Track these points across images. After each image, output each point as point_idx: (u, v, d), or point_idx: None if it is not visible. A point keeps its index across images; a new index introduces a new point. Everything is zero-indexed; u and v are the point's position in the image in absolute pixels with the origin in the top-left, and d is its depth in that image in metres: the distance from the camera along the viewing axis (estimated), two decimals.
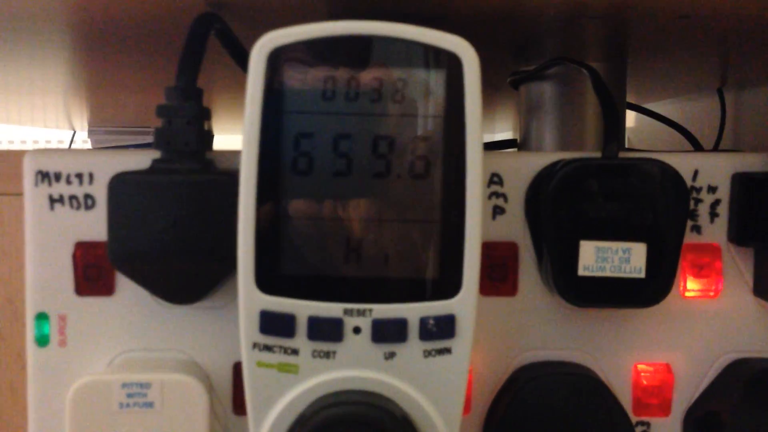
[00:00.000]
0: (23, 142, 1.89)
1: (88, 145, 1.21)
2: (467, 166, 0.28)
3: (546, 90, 0.49)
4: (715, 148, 0.67)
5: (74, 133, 1.33)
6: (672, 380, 0.35)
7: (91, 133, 1.19)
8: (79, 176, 0.33)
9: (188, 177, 0.31)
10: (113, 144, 1.16)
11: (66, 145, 1.39)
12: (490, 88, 0.69)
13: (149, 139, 1.16)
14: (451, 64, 0.28)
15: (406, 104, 0.29)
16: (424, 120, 0.29)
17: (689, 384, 0.35)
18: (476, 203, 0.28)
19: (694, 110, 0.79)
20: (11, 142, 1.89)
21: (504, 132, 1.30)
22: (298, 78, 0.28)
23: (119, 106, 0.88)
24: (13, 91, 0.73)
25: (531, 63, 0.50)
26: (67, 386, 0.32)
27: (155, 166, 0.31)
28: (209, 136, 0.32)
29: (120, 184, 0.31)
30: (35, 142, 1.87)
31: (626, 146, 0.74)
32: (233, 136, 1.24)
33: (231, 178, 0.30)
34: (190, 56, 0.32)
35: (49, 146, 1.87)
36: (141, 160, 0.32)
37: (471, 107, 0.28)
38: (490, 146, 0.60)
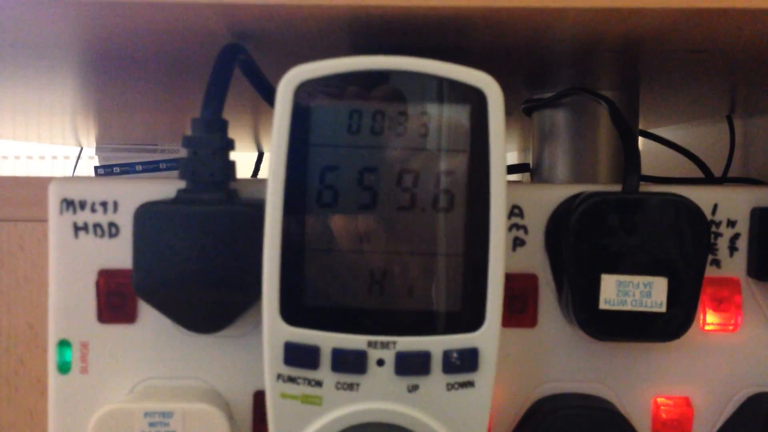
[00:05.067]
0: (29, 157, 1.89)
1: (95, 162, 1.21)
2: (491, 201, 0.28)
3: (560, 118, 0.49)
4: (725, 175, 0.67)
5: (81, 149, 1.34)
6: (691, 414, 0.35)
7: (98, 150, 1.19)
8: (104, 204, 0.33)
9: (213, 207, 0.31)
10: (121, 161, 1.17)
11: (72, 161, 1.40)
12: None
13: (156, 157, 1.17)
14: (475, 99, 0.28)
15: (430, 138, 0.29)
16: (449, 154, 0.29)
17: (709, 418, 0.35)
18: (500, 237, 0.28)
19: (703, 136, 0.79)
20: (17, 157, 1.90)
21: (510, 153, 1.31)
22: (324, 112, 0.29)
23: (127, 124, 0.89)
24: (21, 109, 0.73)
25: (542, 91, 0.50)
26: (88, 414, 0.32)
27: (180, 196, 0.32)
28: (234, 166, 0.33)
29: (146, 214, 0.31)
30: (41, 157, 1.88)
31: None
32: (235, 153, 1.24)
33: (255, 208, 0.31)
34: (216, 88, 0.32)
35: (54, 162, 1.87)
36: (166, 190, 0.32)
37: (495, 142, 0.28)
38: None
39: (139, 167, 1.17)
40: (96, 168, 1.20)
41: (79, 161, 1.34)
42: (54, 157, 1.87)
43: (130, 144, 1.17)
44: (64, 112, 0.74)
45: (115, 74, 0.48)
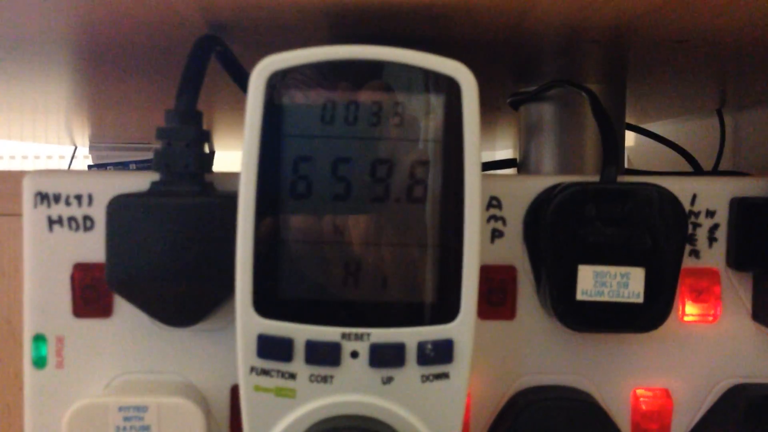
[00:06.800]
0: (24, 157, 1.89)
1: (89, 161, 1.21)
2: (465, 191, 0.28)
3: (545, 111, 0.49)
4: (715, 169, 0.67)
5: (75, 148, 1.34)
6: (671, 405, 0.35)
7: (92, 149, 1.19)
8: (78, 198, 0.33)
9: (187, 199, 0.31)
10: (114, 160, 1.17)
11: (67, 160, 1.40)
12: (492, 108, 0.69)
13: (150, 155, 1.17)
14: (449, 88, 0.28)
15: (404, 128, 0.29)
16: (423, 144, 0.29)
17: (688, 409, 0.35)
18: (474, 228, 0.28)
19: (693, 130, 0.79)
20: (12, 157, 1.89)
21: (505, 150, 1.31)
22: (297, 101, 0.29)
23: (121, 123, 0.89)
24: (15, 108, 0.73)
25: (531, 84, 0.50)
26: (64, 409, 0.31)
27: (154, 189, 0.31)
28: (209, 158, 0.32)
29: (119, 207, 0.30)
30: (36, 157, 1.88)
31: (626, 166, 0.74)
32: (236, 152, 1.24)
33: (230, 200, 0.30)
34: (190, 79, 0.32)
35: (49, 161, 1.87)
36: (140, 182, 0.32)
37: (469, 132, 0.28)
38: (490, 166, 0.60)
39: (133, 166, 1.17)
40: (89, 167, 1.20)
41: (74, 160, 1.34)
42: (49, 157, 1.87)
43: (123, 143, 1.17)
44: (58, 110, 0.74)
45: (106, 69, 0.48)
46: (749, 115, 0.70)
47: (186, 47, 0.32)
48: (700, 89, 0.58)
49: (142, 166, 1.15)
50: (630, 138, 0.88)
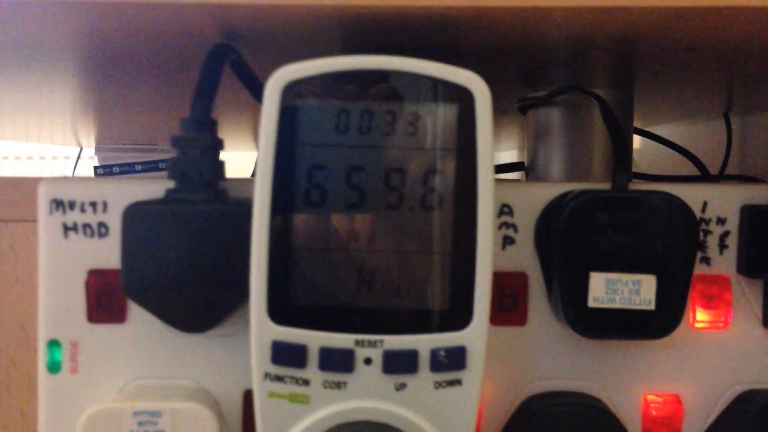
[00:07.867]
0: (30, 158, 1.89)
1: (95, 162, 1.21)
2: (478, 199, 0.28)
3: (554, 116, 0.49)
4: (721, 173, 0.67)
5: (81, 149, 1.34)
6: (681, 411, 0.35)
7: (98, 150, 1.19)
8: (93, 204, 0.33)
9: (202, 207, 0.31)
10: (120, 161, 1.17)
11: (72, 161, 1.40)
12: (496, 112, 0.69)
13: (155, 156, 1.17)
14: (463, 98, 0.28)
15: (418, 137, 0.29)
16: (436, 153, 0.29)
17: (699, 415, 0.35)
18: (487, 236, 0.28)
19: (700, 133, 0.79)
20: (18, 157, 1.90)
21: (507, 152, 1.31)
22: (312, 111, 0.29)
23: (126, 124, 0.89)
24: (21, 109, 0.73)
25: (539, 89, 0.50)
26: (78, 413, 0.32)
27: (169, 196, 0.32)
28: (223, 166, 0.33)
29: (134, 214, 0.31)
30: (42, 158, 1.88)
31: (632, 169, 0.74)
32: (236, 152, 1.25)
33: (244, 208, 0.31)
34: (205, 87, 0.32)
35: (55, 162, 1.88)
36: (155, 190, 0.33)
37: (482, 141, 0.28)
38: (497, 169, 0.60)
39: (138, 167, 1.17)
40: (95, 168, 1.20)
41: (79, 161, 1.35)
42: (54, 158, 1.87)
43: (129, 144, 1.17)
44: (64, 112, 0.74)
45: (114, 74, 0.48)
46: (756, 118, 0.70)
47: (196, 54, 0.33)
48: (707, 94, 0.59)
49: (148, 167, 1.15)
50: (636, 141, 0.88)
